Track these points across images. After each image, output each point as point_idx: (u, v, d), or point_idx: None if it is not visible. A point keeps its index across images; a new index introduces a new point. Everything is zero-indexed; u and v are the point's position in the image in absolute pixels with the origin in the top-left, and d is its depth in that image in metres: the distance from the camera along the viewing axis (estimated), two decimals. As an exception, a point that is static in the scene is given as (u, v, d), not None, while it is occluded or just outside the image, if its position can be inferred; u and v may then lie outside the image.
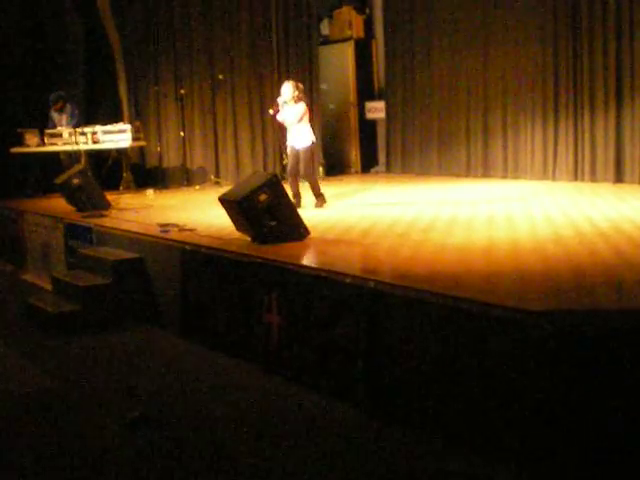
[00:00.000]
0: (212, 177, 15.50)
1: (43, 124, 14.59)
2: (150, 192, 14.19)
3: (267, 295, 7.26)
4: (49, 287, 10.47)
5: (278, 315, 7.14)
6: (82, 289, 9.27)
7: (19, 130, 14.41)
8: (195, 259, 8.47)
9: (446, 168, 15.33)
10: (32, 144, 14.40)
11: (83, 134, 14.04)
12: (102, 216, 11.18)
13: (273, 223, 8.29)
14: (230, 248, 8.21)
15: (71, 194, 11.90)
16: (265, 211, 8.26)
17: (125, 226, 10.26)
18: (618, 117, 12.41)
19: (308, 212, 10.25)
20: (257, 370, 7.31)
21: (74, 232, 10.81)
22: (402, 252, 7.66)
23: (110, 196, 12.54)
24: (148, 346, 8.44)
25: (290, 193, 10.54)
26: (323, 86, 17.08)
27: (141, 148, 15.51)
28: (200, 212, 11.12)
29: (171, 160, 15.79)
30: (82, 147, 14.09)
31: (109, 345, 8.50)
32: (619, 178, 12.41)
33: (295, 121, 10.99)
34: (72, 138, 14.06)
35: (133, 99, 15.83)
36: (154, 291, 9.17)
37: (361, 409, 6.20)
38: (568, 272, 6.45)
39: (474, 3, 14.57)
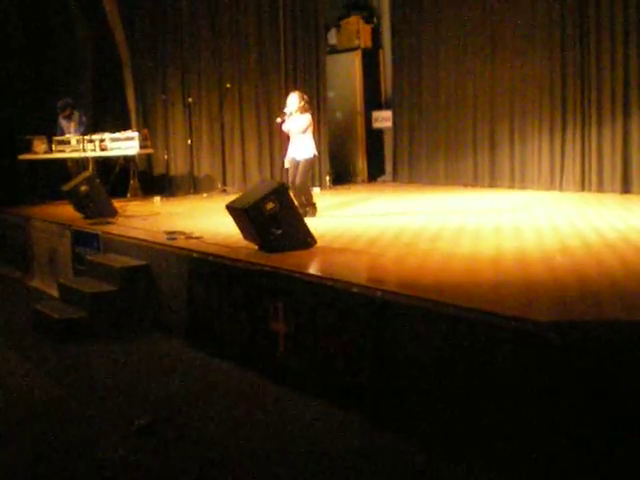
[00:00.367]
0: (219, 185, 15.51)
1: (51, 131, 14.62)
2: (157, 199, 14.21)
3: (273, 303, 7.27)
4: (56, 294, 10.47)
5: (284, 323, 7.15)
6: (89, 296, 9.27)
7: (27, 137, 14.44)
8: (202, 267, 8.47)
9: (453, 178, 15.33)
10: (40, 151, 14.43)
11: (91, 141, 14.07)
12: (109, 223, 11.20)
13: (280, 232, 8.30)
14: (237, 256, 8.21)
15: (78, 201, 11.92)
16: (272, 219, 8.27)
17: (132, 233, 10.27)
18: (625, 127, 12.41)
19: (315, 221, 10.25)
20: (263, 378, 7.31)
21: (81, 239, 10.82)
22: (409, 261, 7.66)
23: (117, 203, 12.56)
24: (154, 353, 8.43)
25: (297, 203, 10.57)
26: (330, 95, 17.09)
27: (148, 156, 15.53)
28: (207, 220, 11.13)
29: (178, 168, 15.80)
30: (90, 154, 14.12)
31: (115, 352, 8.50)
32: (626, 189, 12.40)
33: (300, 131, 10.99)
34: (80, 145, 14.10)
35: (141, 107, 15.85)
36: (161, 298, 9.18)
37: (366, 418, 6.20)
38: (575, 282, 6.45)
39: (482, 13, 14.58)
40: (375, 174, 17.30)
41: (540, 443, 4.96)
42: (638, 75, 12.21)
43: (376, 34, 17.39)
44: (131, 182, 14.72)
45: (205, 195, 14.98)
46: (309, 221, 9.10)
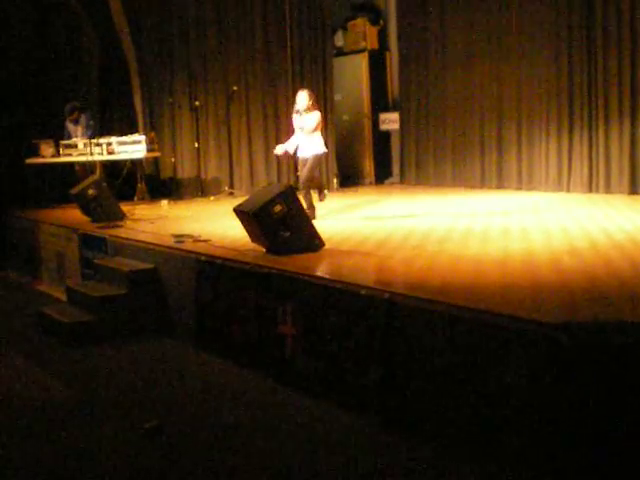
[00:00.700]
0: (226, 188, 15.52)
1: (58, 135, 14.64)
2: (165, 203, 14.22)
3: (281, 306, 7.26)
4: (64, 297, 10.48)
5: (292, 326, 7.15)
6: (97, 299, 9.28)
7: (34, 141, 14.47)
8: (209, 270, 8.47)
9: (460, 179, 15.31)
10: (47, 155, 14.46)
11: (98, 145, 14.09)
12: (117, 227, 11.21)
13: (288, 234, 8.30)
14: (245, 259, 8.21)
15: (86, 205, 11.93)
16: (280, 222, 8.26)
17: (140, 237, 10.28)
18: (633, 128, 12.38)
19: (323, 223, 10.24)
20: (271, 381, 7.31)
21: (89, 242, 10.83)
22: (417, 263, 7.65)
23: (125, 207, 12.57)
24: (162, 357, 8.44)
25: (304, 204, 10.54)
26: (337, 97, 17.09)
27: (156, 159, 15.55)
28: (214, 223, 11.14)
29: (185, 171, 15.81)
30: (97, 158, 14.14)
31: (124, 355, 8.51)
32: (634, 190, 12.38)
33: (311, 130, 10.91)
34: (87, 149, 14.11)
35: (148, 110, 15.86)
36: (169, 302, 9.18)
37: (375, 419, 6.20)
38: (583, 284, 6.43)
39: (488, 15, 14.56)
40: (382, 176, 17.30)
41: (549, 444, 4.95)
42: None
43: (383, 36, 17.38)
44: (138, 185, 14.73)
45: (212, 198, 14.98)
46: (317, 223, 9.09)
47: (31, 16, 15.35)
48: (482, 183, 14.88)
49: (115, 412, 6.81)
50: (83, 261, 10.89)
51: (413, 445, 5.77)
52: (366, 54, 17.15)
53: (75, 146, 14.36)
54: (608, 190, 12.70)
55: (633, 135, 12.39)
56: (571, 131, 13.25)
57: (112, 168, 14.85)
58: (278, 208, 8.24)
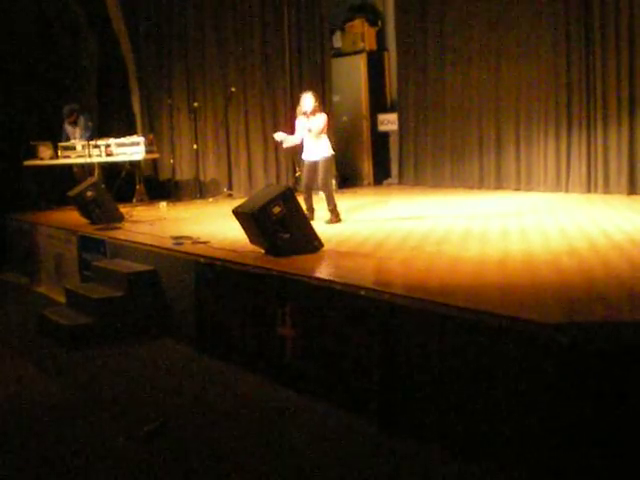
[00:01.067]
0: (225, 190, 15.51)
1: (56, 137, 14.65)
2: (163, 205, 14.22)
3: (281, 308, 7.26)
4: (62, 300, 10.48)
5: (292, 328, 7.14)
6: (96, 302, 9.28)
7: (32, 143, 14.47)
8: (209, 272, 8.47)
9: (459, 180, 15.31)
10: (45, 157, 14.46)
11: (96, 147, 14.10)
12: (115, 229, 11.21)
13: (287, 235, 8.30)
14: (244, 261, 8.21)
15: (84, 207, 11.93)
16: (279, 223, 8.26)
17: (138, 239, 10.28)
18: (631, 128, 12.38)
19: (321, 225, 10.24)
20: (271, 382, 7.30)
21: (87, 245, 10.83)
22: (416, 265, 7.65)
23: (123, 209, 12.58)
24: (162, 359, 8.44)
25: (304, 207, 10.52)
26: (335, 98, 17.08)
27: (154, 161, 15.56)
28: (213, 224, 11.13)
29: (184, 173, 15.81)
30: (95, 160, 14.15)
31: (123, 358, 8.51)
32: (632, 190, 12.38)
33: (319, 132, 10.82)
34: (85, 151, 14.12)
35: (146, 112, 15.88)
36: (168, 304, 9.18)
37: (375, 421, 6.19)
38: (582, 284, 6.44)
39: (486, 15, 14.56)
40: (381, 177, 17.28)
41: (549, 445, 4.95)
42: (643, 76, 12.23)
43: (381, 37, 17.38)
44: (137, 187, 14.73)
45: (211, 200, 14.99)
46: (315, 225, 9.08)
47: (31, 18, 15.35)
48: (481, 184, 14.87)
49: (115, 414, 6.81)
50: (82, 263, 10.88)
51: (414, 446, 5.77)
52: (364, 55, 17.14)
53: (73, 148, 14.36)
54: (607, 190, 12.70)
55: (631, 135, 12.39)
56: (569, 131, 13.25)
57: (110, 170, 14.84)
58: (277, 209, 8.24)
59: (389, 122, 17.09)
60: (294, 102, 15.77)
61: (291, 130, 11.39)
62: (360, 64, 17.19)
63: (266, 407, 6.79)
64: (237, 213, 8.81)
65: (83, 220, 12.01)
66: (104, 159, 14.21)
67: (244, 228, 8.81)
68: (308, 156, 10.95)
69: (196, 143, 15.30)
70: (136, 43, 15.63)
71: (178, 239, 9.68)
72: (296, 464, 5.63)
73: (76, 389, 7.58)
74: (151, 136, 14.95)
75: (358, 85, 17.27)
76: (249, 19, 15.89)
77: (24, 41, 15.29)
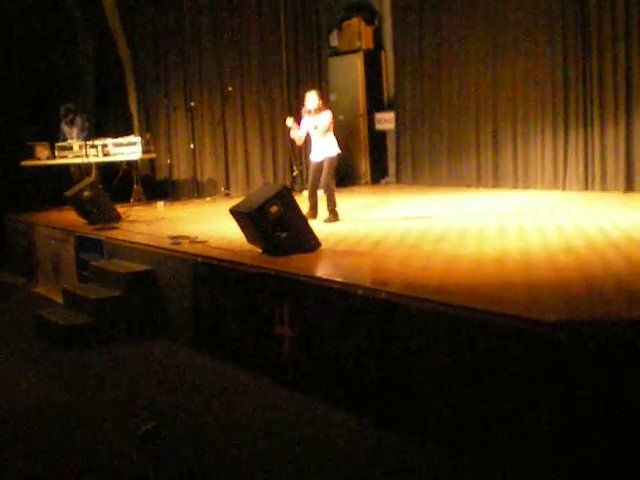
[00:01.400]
0: (222, 189, 15.50)
1: (54, 137, 14.63)
2: (161, 204, 14.21)
3: (278, 307, 7.26)
4: (60, 300, 10.47)
5: (289, 327, 7.14)
6: (93, 302, 9.27)
7: (29, 143, 14.45)
8: (206, 271, 8.46)
9: (456, 179, 15.30)
10: (42, 157, 14.43)
11: (94, 147, 14.08)
12: (113, 229, 11.20)
13: (284, 235, 8.29)
14: (241, 260, 8.21)
15: (82, 207, 11.92)
16: (276, 223, 8.26)
17: (136, 238, 10.27)
18: (628, 126, 12.39)
19: (319, 223, 10.23)
20: (268, 382, 7.30)
21: (85, 245, 10.82)
22: (414, 263, 7.65)
23: (121, 208, 12.57)
24: (160, 358, 8.44)
25: (308, 205, 10.53)
26: (332, 97, 17.07)
27: (151, 160, 15.54)
28: (211, 224, 11.13)
29: (181, 172, 15.80)
30: (92, 160, 14.13)
31: (121, 357, 8.51)
32: (629, 187, 12.39)
33: (324, 130, 10.81)
34: (82, 151, 14.10)
35: (143, 112, 15.85)
36: (166, 303, 9.17)
37: (373, 420, 6.19)
38: (580, 282, 6.44)
39: (483, 13, 14.56)
40: (378, 176, 17.29)
41: (547, 443, 4.95)
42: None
43: (378, 36, 17.37)
44: (134, 187, 14.72)
45: (208, 199, 14.98)
46: (312, 224, 9.08)
47: (28, 19, 15.33)
48: (478, 182, 14.87)
49: (112, 414, 6.81)
50: (79, 263, 10.88)
51: (412, 445, 5.77)
52: (361, 54, 17.13)
53: (70, 148, 14.33)
54: (604, 188, 12.70)
55: (628, 133, 12.40)
56: (566, 129, 13.25)
57: (108, 170, 14.83)
58: (274, 209, 8.24)
59: (386, 121, 17.08)
60: (291, 101, 15.84)
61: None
62: (357, 63, 17.19)
63: (264, 406, 6.79)
64: (234, 212, 8.80)
65: (80, 220, 12.00)
66: (101, 159, 14.20)
67: (241, 227, 8.80)
68: (314, 157, 10.96)
69: (193, 143, 15.29)
70: (133, 43, 15.61)
71: (175, 239, 9.67)
72: (295, 464, 5.63)
73: (73, 389, 7.57)
74: (148, 136, 14.95)
75: (355, 84, 17.26)
76: (246, 18, 15.88)
77: (21, 41, 15.26)
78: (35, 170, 14.66)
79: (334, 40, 17.59)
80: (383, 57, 17.35)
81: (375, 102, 17.30)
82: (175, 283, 9.00)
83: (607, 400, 4.72)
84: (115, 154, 14.20)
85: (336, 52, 17.53)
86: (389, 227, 10.06)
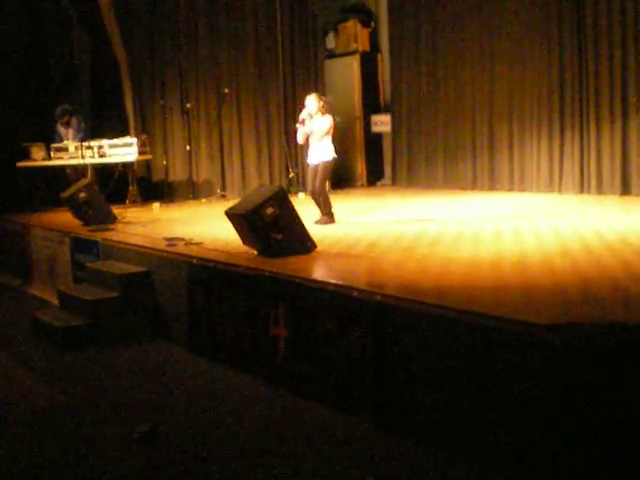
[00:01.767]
0: (218, 190, 15.51)
1: (49, 138, 14.62)
2: (156, 206, 14.21)
3: (274, 308, 7.25)
4: (55, 301, 10.45)
5: (285, 328, 7.14)
6: (89, 303, 9.26)
7: (25, 144, 14.44)
8: (202, 273, 8.46)
9: (452, 181, 15.32)
10: (38, 158, 14.43)
11: (89, 148, 14.07)
12: (108, 230, 11.19)
13: (280, 236, 8.29)
14: (237, 262, 8.20)
15: (77, 208, 11.90)
16: (272, 224, 8.25)
17: (131, 240, 10.26)
18: (624, 129, 12.41)
19: (314, 226, 10.23)
20: (264, 383, 7.30)
21: (80, 246, 10.80)
22: (409, 266, 7.65)
23: (116, 210, 12.56)
24: (155, 360, 8.42)
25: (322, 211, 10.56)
26: (329, 99, 17.05)
27: (147, 162, 15.53)
28: (206, 226, 11.12)
29: (177, 174, 15.80)
30: (88, 161, 14.12)
31: (116, 359, 8.49)
32: (625, 190, 12.40)
33: (322, 134, 10.76)
34: (78, 152, 14.09)
35: (139, 113, 15.85)
36: (161, 305, 9.16)
37: (368, 421, 6.19)
38: (576, 285, 6.44)
39: (479, 16, 14.58)
40: (374, 178, 17.30)
41: (542, 445, 4.95)
42: (636, 77, 12.22)
43: (374, 38, 17.40)
44: (130, 188, 14.70)
45: (204, 201, 14.98)
46: (308, 226, 9.07)
47: (23, 19, 15.32)
48: (474, 185, 14.89)
49: (108, 416, 6.79)
50: (75, 264, 10.86)
51: (407, 446, 5.76)
52: (357, 56, 17.15)
53: (66, 149, 14.33)
54: (600, 191, 12.72)
55: (624, 136, 12.41)
56: (562, 132, 13.27)
57: (103, 171, 14.82)
58: (270, 210, 8.23)
59: (382, 123, 17.10)
60: (287, 103, 15.84)
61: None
62: (353, 65, 17.21)
63: (259, 408, 6.78)
64: (230, 214, 8.80)
65: (76, 221, 11.98)
66: (97, 160, 14.18)
67: (237, 229, 8.80)
68: (311, 160, 10.94)
69: (189, 144, 15.29)
70: (129, 44, 15.60)
71: (171, 240, 9.67)
72: (291, 465, 5.62)
73: (69, 391, 7.55)
74: (144, 137, 14.93)
75: (351, 86, 17.28)
76: (242, 20, 15.89)
77: (16, 42, 15.26)
78: (31, 171, 14.65)
79: (330, 42, 17.61)
80: (379, 59, 17.37)
81: (371, 104, 17.32)
82: (171, 284, 8.99)
83: (603, 402, 4.72)
84: (111, 155, 14.18)
85: (332, 54, 17.55)
86: (384, 229, 10.06)
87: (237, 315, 7.87)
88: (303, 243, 8.47)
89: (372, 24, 17.42)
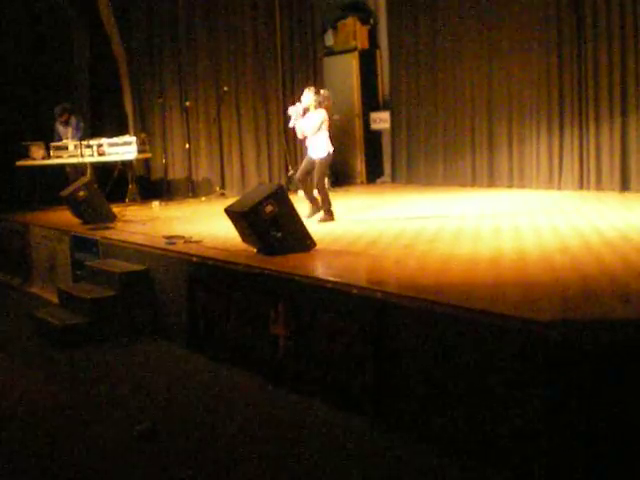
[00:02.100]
0: (218, 188, 15.49)
1: (49, 137, 14.62)
2: (156, 204, 14.20)
3: (273, 306, 7.25)
4: (55, 300, 10.46)
5: (284, 326, 7.14)
6: (88, 302, 9.26)
7: (25, 143, 14.44)
8: (201, 271, 8.46)
9: (451, 178, 15.30)
10: (38, 157, 14.43)
11: (89, 147, 14.08)
12: (108, 228, 11.19)
13: (279, 234, 8.28)
14: (236, 260, 8.20)
15: (77, 206, 11.91)
16: (271, 222, 8.25)
17: (131, 238, 10.26)
18: (623, 125, 12.39)
19: (314, 223, 10.22)
20: (264, 381, 7.29)
21: (80, 244, 10.81)
22: (408, 263, 7.65)
23: (116, 208, 12.56)
24: (155, 358, 8.43)
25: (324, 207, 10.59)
26: (325, 93, 17.02)
27: (146, 160, 15.53)
28: (206, 224, 11.12)
29: (176, 172, 15.79)
30: (88, 160, 14.13)
31: (116, 357, 8.49)
32: (625, 186, 12.38)
33: (313, 130, 10.70)
34: (78, 151, 14.09)
35: (138, 111, 15.85)
36: (160, 303, 9.16)
37: (368, 419, 6.19)
38: (575, 282, 6.43)
39: (478, 13, 14.56)
40: (373, 175, 17.27)
41: (542, 442, 4.94)
42: (635, 73, 12.19)
43: (373, 35, 17.36)
44: (129, 187, 14.70)
45: (203, 199, 14.97)
46: (308, 224, 9.06)
47: (22, 18, 15.32)
48: (473, 181, 14.87)
49: (108, 414, 6.80)
50: (74, 263, 10.86)
51: (408, 445, 5.76)
52: (356, 53, 17.13)
53: (66, 148, 14.33)
54: (599, 187, 12.70)
55: (624, 132, 12.39)
56: (562, 129, 13.25)
57: (103, 170, 14.82)
58: (269, 208, 8.23)
59: (381, 120, 17.08)
60: (286, 101, 15.81)
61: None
62: (352, 62, 17.18)
63: (259, 406, 6.78)
64: (229, 212, 8.80)
65: (75, 220, 11.99)
66: (96, 159, 14.19)
67: (236, 227, 8.79)
68: (309, 152, 10.87)
69: (188, 142, 15.28)
70: (128, 42, 15.60)
71: (170, 238, 9.66)
72: (291, 464, 5.62)
73: (68, 389, 7.56)
74: (143, 136, 14.94)
75: (350, 83, 17.26)
76: (241, 17, 15.87)
77: (15, 41, 15.25)
78: (30, 170, 14.65)
79: (329, 40, 17.58)
80: (378, 57, 17.34)
81: (370, 102, 17.29)
82: (170, 283, 8.99)
83: (602, 399, 4.72)
84: (110, 154, 14.19)
85: (331, 52, 17.52)
86: (384, 227, 10.05)
87: (237, 313, 7.87)
88: (303, 241, 8.46)
89: (371, 21, 17.40)
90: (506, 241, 8.55)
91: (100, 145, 14.11)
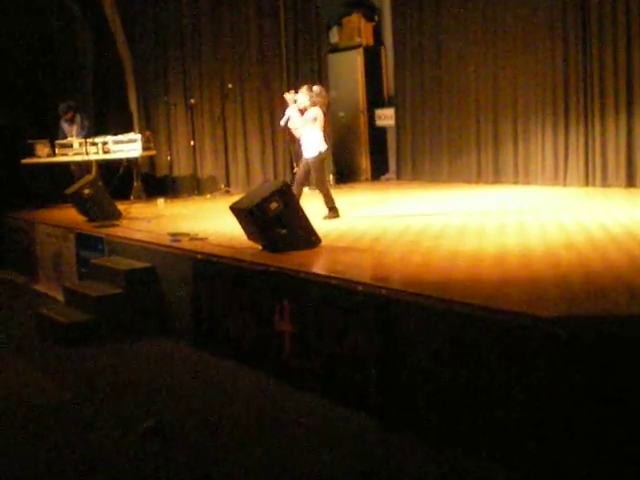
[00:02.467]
0: (223, 186, 15.50)
1: (54, 135, 14.62)
2: (161, 201, 14.20)
3: (279, 303, 7.25)
4: (61, 298, 10.47)
5: (290, 323, 7.14)
6: (94, 299, 9.27)
7: (30, 141, 14.46)
8: (206, 268, 8.46)
9: (457, 175, 15.28)
10: (43, 155, 14.44)
11: (94, 144, 14.08)
12: (113, 226, 11.20)
13: (284, 231, 8.29)
14: (241, 257, 8.20)
15: (82, 204, 11.92)
16: (276, 219, 8.25)
17: (136, 236, 10.27)
18: (629, 121, 12.37)
19: (319, 220, 10.21)
20: (269, 378, 7.30)
21: (85, 242, 10.82)
22: (413, 260, 7.64)
23: (121, 206, 12.56)
24: (160, 355, 8.43)
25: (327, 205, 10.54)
26: (332, 94, 17.04)
27: (151, 158, 15.52)
28: (211, 221, 11.12)
29: (181, 169, 15.79)
30: (93, 157, 14.13)
31: (121, 355, 8.50)
32: (630, 182, 12.37)
33: (303, 126, 10.67)
34: (83, 148, 14.09)
35: (143, 109, 15.84)
36: (166, 300, 9.17)
37: (373, 416, 6.19)
38: (580, 278, 6.43)
39: (484, 8, 14.54)
40: (378, 172, 17.26)
41: (547, 439, 4.94)
42: (641, 69, 12.21)
43: (378, 32, 17.35)
44: (134, 184, 14.70)
45: (208, 196, 14.97)
46: (313, 220, 9.05)
47: (27, 16, 15.32)
48: (478, 178, 14.86)
49: (113, 412, 6.80)
50: (79, 261, 10.87)
51: (413, 442, 5.76)
52: (361, 50, 17.11)
53: (71, 146, 14.33)
54: (605, 183, 12.68)
55: (629, 128, 12.38)
56: (567, 125, 13.24)
57: (108, 167, 14.81)
58: (274, 205, 8.23)
59: (386, 117, 17.06)
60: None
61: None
62: (357, 59, 17.17)
63: (264, 403, 6.78)
64: (234, 209, 8.80)
65: (81, 218, 12.01)
66: (101, 157, 14.19)
67: (241, 224, 8.80)
68: (302, 151, 10.86)
69: (193, 140, 15.27)
70: (132, 40, 15.60)
71: (176, 236, 9.66)
72: (295, 460, 5.62)
73: (74, 387, 7.57)
74: (148, 133, 14.92)
75: (355, 80, 17.25)
76: (245, 14, 15.87)
77: (20, 39, 15.25)
78: (35, 168, 14.66)
79: (334, 36, 17.58)
80: (383, 53, 17.33)
81: (375, 98, 17.28)
82: (175, 280, 9.00)
83: (608, 396, 4.72)
84: (115, 151, 14.19)
85: (336, 48, 17.51)
86: (389, 223, 10.04)
87: (242, 310, 7.88)
88: (308, 238, 8.46)
89: (376, 18, 17.38)
90: (511, 237, 8.54)
91: (105, 143, 14.12)
